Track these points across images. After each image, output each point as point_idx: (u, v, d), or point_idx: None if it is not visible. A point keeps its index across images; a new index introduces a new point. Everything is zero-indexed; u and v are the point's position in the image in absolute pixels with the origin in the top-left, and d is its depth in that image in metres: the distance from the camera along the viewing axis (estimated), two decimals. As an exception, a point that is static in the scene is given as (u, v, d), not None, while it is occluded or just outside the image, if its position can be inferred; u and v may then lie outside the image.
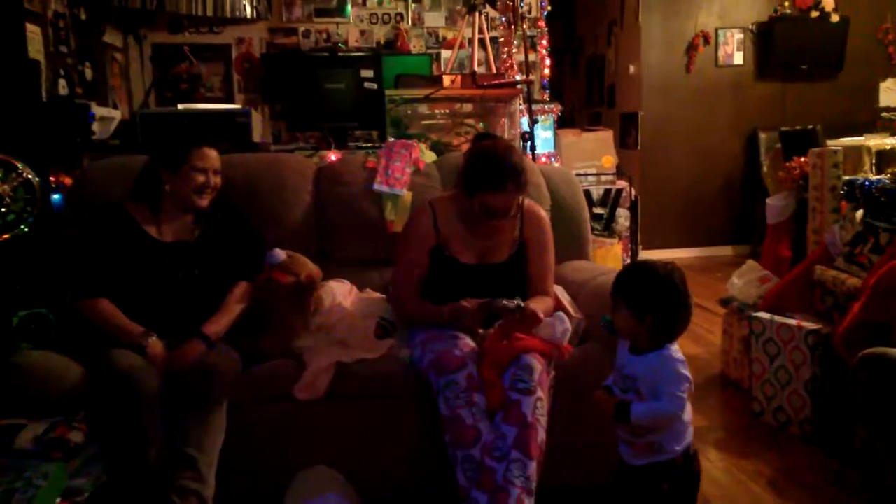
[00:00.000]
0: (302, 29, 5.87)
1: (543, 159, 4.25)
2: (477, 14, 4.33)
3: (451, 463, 1.92)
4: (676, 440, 1.73)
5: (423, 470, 2.14)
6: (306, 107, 3.82)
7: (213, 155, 2.27)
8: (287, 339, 2.25)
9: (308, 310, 2.30)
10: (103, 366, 1.97)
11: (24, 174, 2.51)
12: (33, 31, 3.56)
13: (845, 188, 3.04)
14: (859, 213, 2.89)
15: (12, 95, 2.82)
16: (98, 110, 3.42)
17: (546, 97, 5.00)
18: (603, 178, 5.33)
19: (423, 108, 3.68)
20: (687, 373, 1.71)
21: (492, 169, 2.10)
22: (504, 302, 2.03)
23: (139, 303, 2.15)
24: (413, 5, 6.00)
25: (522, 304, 2.04)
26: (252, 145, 3.36)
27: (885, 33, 6.36)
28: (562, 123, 5.40)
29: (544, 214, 2.38)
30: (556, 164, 4.35)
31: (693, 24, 6.32)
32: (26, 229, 2.52)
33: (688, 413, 1.76)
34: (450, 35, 6.01)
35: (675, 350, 1.74)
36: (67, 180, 2.77)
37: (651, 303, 1.70)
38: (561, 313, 2.05)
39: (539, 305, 2.12)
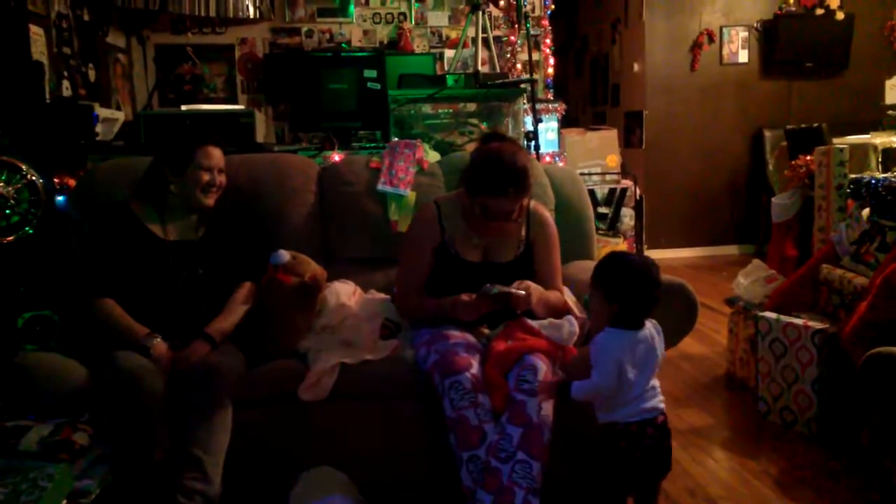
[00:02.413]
0: (305, 29, 5.87)
1: (547, 158, 4.25)
2: (480, 13, 4.32)
3: (456, 463, 1.91)
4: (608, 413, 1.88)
5: (428, 470, 2.13)
6: (309, 107, 3.82)
7: (216, 153, 2.28)
8: (291, 340, 2.25)
9: (312, 310, 2.30)
10: (108, 367, 1.97)
11: (29, 176, 2.51)
12: (36, 32, 3.57)
13: (852, 186, 3.02)
14: (866, 212, 2.88)
15: (16, 97, 2.82)
16: (101, 111, 3.43)
17: (550, 96, 4.99)
18: (607, 177, 5.33)
19: (427, 108, 3.68)
20: (617, 350, 1.83)
21: (494, 172, 2.07)
22: (487, 285, 2.02)
23: (144, 302, 2.16)
24: (416, 5, 5.99)
25: (506, 289, 2.01)
26: (255, 146, 3.35)
27: (890, 30, 6.33)
28: (566, 122, 5.39)
29: (550, 216, 2.37)
30: (561, 164, 4.35)
31: (697, 22, 6.31)
32: (31, 231, 2.52)
33: (627, 388, 1.86)
34: (453, 34, 6.00)
35: (616, 333, 1.86)
36: (71, 182, 2.77)
37: (620, 292, 1.85)
38: (571, 317, 2.04)
39: (549, 295, 2.13)
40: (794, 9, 6.27)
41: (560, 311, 2.20)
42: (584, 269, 2.54)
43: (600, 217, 4.89)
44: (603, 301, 1.88)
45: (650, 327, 1.90)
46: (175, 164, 2.22)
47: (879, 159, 4.07)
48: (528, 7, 5.27)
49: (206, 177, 2.23)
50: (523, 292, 2.04)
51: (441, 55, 5.92)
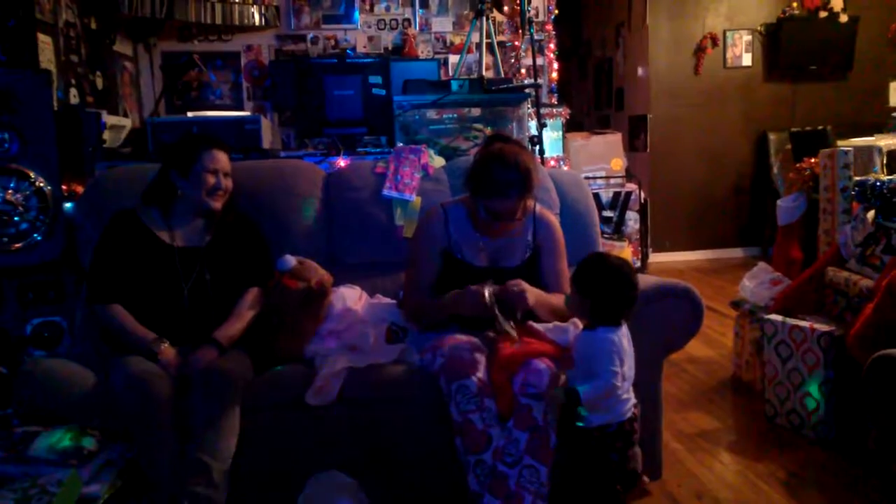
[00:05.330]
0: (310, 36, 5.90)
1: (552, 163, 4.25)
2: (484, 19, 4.34)
3: (463, 468, 1.92)
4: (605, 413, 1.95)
5: (435, 474, 2.14)
6: (315, 113, 3.83)
7: (222, 157, 2.30)
8: (298, 345, 2.26)
9: (319, 315, 2.31)
10: (116, 372, 1.99)
11: (37, 183, 2.53)
12: (45, 41, 3.59)
13: (856, 189, 3.02)
14: (871, 214, 2.87)
15: (25, 105, 2.83)
16: (109, 119, 3.45)
17: (554, 101, 5.00)
18: (612, 181, 5.34)
19: (432, 114, 3.69)
20: (613, 353, 1.90)
21: (496, 174, 2.09)
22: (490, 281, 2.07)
23: (152, 308, 2.17)
24: (420, 11, 6.01)
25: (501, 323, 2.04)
26: (262, 152, 3.37)
27: (894, 33, 6.32)
28: (570, 127, 5.40)
29: (556, 220, 2.38)
30: (565, 168, 4.36)
31: (701, 25, 6.31)
32: (39, 238, 2.54)
33: (621, 382, 1.94)
34: (457, 40, 6.02)
35: (607, 332, 1.93)
36: (79, 189, 2.79)
37: (592, 289, 1.93)
38: (576, 319, 2.05)
39: (550, 298, 2.15)
40: (797, 12, 6.26)
41: (565, 314, 2.20)
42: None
43: (605, 221, 4.90)
44: (581, 300, 1.96)
45: (624, 325, 1.98)
46: (181, 168, 2.24)
47: (884, 161, 4.06)
48: (532, 12, 5.28)
49: (212, 179, 2.25)
50: (516, 289, 2.06)
51: (445, 61, 5.93)
